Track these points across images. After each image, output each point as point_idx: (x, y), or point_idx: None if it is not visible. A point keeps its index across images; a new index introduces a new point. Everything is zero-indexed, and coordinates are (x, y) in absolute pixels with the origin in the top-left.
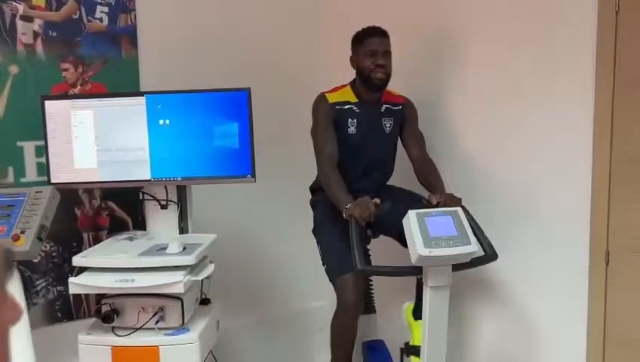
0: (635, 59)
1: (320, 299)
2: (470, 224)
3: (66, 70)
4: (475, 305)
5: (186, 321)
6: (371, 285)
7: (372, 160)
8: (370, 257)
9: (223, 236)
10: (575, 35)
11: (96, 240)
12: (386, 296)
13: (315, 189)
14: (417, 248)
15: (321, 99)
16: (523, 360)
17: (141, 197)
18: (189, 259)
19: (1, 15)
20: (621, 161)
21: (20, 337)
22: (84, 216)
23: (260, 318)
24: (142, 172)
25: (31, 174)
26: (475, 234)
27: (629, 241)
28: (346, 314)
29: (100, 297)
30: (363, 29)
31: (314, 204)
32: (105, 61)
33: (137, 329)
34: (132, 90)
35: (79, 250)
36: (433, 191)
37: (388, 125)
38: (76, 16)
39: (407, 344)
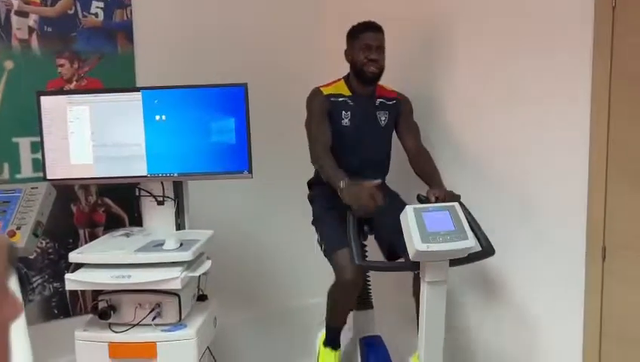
0: (632, 54)
1: (317, 295)
2: (467, 219)
3: (61, 65)
4: (471, 299)
5: (183, 317)
6: (369, 281)
7: (368, 154)
8: (367, 253)
9: (220, 232)
10: (572, 30)
11: (93, 237)
12: (383, 292)
13: (312, 184)
14: (415, 243)
15: (316, 92)
16: (519, 355)
17: (137, 193)
18: (186, 255)
19: None
20: (618, 156)
21: (17, 334)
22: (80, 212)
23: (257, 314)
24: (138, 168)
25: (26, 170)
26: (473, 230)
27: (626, 237)
28: (344, 289)
29: (96, 293)
30: (358, 24)
31: (312, 198)
32: (101, 56)
33: (134, 325)
34: (128, 86)
35: (75, 247)
36: (430, 183)
37: (383, 118)
38: (71, 12)
39: None
